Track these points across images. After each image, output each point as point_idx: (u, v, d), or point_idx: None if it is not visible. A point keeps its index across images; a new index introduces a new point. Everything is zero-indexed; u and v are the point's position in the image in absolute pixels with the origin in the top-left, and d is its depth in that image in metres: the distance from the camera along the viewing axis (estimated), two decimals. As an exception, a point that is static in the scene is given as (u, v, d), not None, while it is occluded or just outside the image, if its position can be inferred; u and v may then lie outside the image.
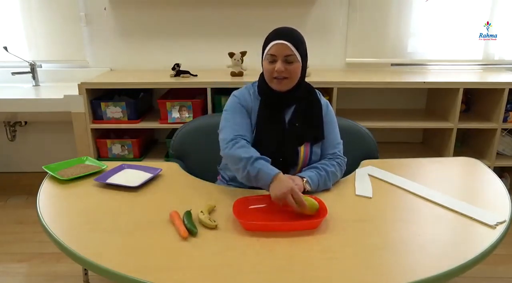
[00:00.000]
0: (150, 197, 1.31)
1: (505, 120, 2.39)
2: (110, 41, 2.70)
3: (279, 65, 1.35)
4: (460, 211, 1.20)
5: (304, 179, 1.31)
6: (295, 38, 1.36)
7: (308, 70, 2.42)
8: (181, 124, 1.86)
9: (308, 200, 1.20)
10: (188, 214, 1.15)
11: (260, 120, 1.43)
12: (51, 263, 2.03)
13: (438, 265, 0.96)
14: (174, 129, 2.00)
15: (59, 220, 1.17)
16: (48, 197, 1.31)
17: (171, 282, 0.91)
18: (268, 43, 1.37)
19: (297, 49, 1.35)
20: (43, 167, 1.46)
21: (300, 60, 1.38)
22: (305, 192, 1.27)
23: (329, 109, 1.51)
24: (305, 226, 1.12)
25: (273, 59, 1.36)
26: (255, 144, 1.41)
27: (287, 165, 1.42)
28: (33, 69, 2.65)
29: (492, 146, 2.43)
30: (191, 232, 1.08)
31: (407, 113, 2.67)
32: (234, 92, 1.49)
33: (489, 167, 1.59)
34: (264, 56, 1.40)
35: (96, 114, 2.37)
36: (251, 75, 2.35)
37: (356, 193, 1.34)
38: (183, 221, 1.12)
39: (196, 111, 2.34)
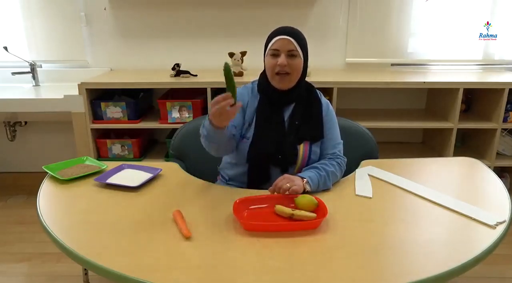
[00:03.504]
0: (150, 197, 1.31)
1: (505, 120, 2.39)
2: (110, 41, 2.70)
3: (282, 59, 1.36)
4: (460, 211, 1.20)
5: (304, 179, 1.30)
6: (298, 35, 1.38)
7: (308, 70, 2.43)
8: (181, 124, 1.86)
9: (307, 197, 1.20)
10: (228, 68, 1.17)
11: (260, 118, 1.43)
12: (51, 263, 2.03)
13: (438, 265, 0.96)
14: (174, 129, 2.00)
15: (59, 220, 1.17)
16: (48, 197, 1.31)
17: (171, 282, 0.91)
18: (271, 39, 1.39)
19: (299, 45, 1.37)
20: (43, 167, 1.46)
21: (302, 57, 1.38)
22: (305, 192, 1.28)
23: (329, 109, 1.51)
24: (305, 226, 1.12)
25: (276, 54, 1.37)
26: (255, 141, 1.41)
27: (286, 163, 1.42)
28: (33, 69, 2.65)
29: (492, 145, 2.43)
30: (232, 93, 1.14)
31: (407, 113, 2.67)
32: None
33: (489, 167, 1.59)
34: (266, 52, 1.41)
35: (96, 114, 2.37)
36: (251, 75, 2.35)
37: (356, 193, 1.34)
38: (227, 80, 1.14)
39: (196, 111, 2.34)
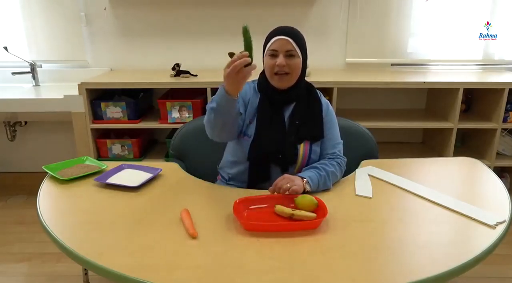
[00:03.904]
0: (150, 197, 1.31)
1: (505, 120, 2.39)
2: (110, 41, 2.70)
3: (280, 59, 1.36)
4: (460, 211, 1.20)
5: (304, 179, 1.30)
6: (296, 35, 1.38)
7: (308, 70, 2.43)
8: (181, 124, 1.86)
9: (307, 197, 1.20)
10: (246, 28, 1.19)
11: (260, 118, 1.44)
12: (51, 263, 2.03)
13: (438, 265, 0.96)
14: (174, 129, 2.00)
15: (59, 220, 1.17)
16: (48, 197, 1.31)
17: (171, 282, 0.91)
18: (269, 40, 1.39)
19: (298, 45, 1.37)
20: (43, 167, 1.46)
21: (301, 57, 1.39)
22: (305, 192, 1.28)
23: (329, 109, 1.51)
24: (305, 226, 1.12)
25: (274, 54, 1.38)
26: (255, 141, 1.41)
27: (287, 162, 1.42)
28: (33, 69, 2.65)
29: (492, 145, 2.43)
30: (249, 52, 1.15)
31: (407, 113, 2.67)
32: None
33: (489, 167, 1.59)
34: (265, 52, 1.42)
35: (96, 114, 2.37)
36: (251, 75, 2.35)
37: (356, 193, 1.34)
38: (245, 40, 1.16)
39: (196, 111, 2.34)
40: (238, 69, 1.16)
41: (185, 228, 1.09)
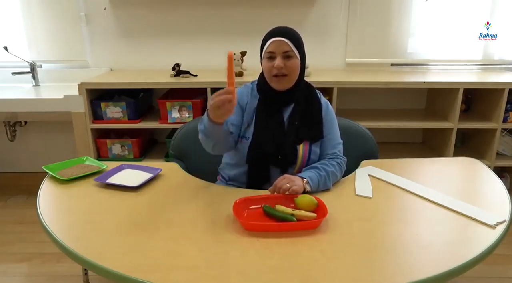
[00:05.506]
0: (150, 197, 1.31)
1: (505, 120, 2.39)
2: (110, 41, 2.70)
3: (278, 61, 1.35)
4: (460, 211, 1.20)
5: (304, 179, 1.30)
6: (293, 36, 1.38)
7: (308, 70, 2.44)
8: (181, 124, 1.86)
9: (307, 197, 1.20)
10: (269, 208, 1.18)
11: (259, 119, 1.44)
12: (51, 263, 2.03)
13: (438, 265, 0.96)
14: (174, 129, 2.00)
15: (59, 220, 1.17)
16: (48, 197, 1.31)
17: (171, 282, 0.91)
18: (266, 42, 1.38)
19: (295, 46, 1.37)
20: (43, 167, 1.46)
21: (299, 57, 1.38)
22: (305, 192, 1.28)
23: (329, 109, 1.51)
24: (305, 226, 1.12)
25: (271, 56, 1.37)
26: (254, 142, 1.41)
27: (286, 163, 1.42)
28: (33, 69, 2.65)
29: (492, 145, 2.43)
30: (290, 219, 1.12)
31: (407, 113, 2.67)
32: None
33: (489, 167, 1.59)
34: (262, 55, 1.41)
35: (96, 114, 2.37)
36: (251, 75, 2.35)
37: (356, 193, 1.34)
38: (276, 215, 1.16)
39: (196, 111, 2.34)
40: (220, 104, 1.18)
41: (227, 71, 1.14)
